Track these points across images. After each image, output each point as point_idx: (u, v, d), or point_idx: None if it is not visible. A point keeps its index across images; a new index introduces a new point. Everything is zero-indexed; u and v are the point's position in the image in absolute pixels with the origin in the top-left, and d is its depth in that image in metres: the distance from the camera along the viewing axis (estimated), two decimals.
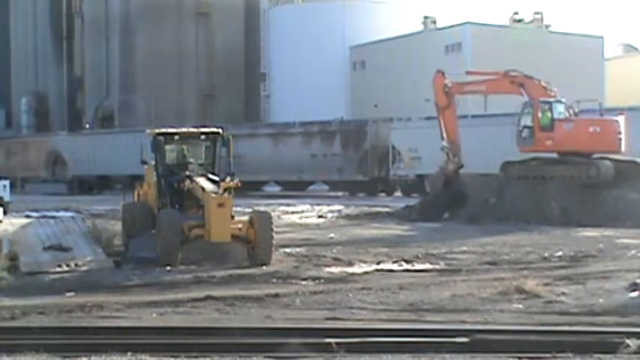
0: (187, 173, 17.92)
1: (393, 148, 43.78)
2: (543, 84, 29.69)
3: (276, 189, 53.30)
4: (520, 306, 12.18)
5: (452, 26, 62.37)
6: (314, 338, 9.45)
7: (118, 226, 19.85)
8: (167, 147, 18.81)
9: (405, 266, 16.90)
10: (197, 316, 11.63)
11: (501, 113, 36.17)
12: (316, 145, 48.19)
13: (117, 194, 33.04)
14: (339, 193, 48.38)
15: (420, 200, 32.31)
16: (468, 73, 33.89)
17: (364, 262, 17.39)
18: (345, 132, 47.31)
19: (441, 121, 30.78)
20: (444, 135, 30.72)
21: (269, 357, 8.94)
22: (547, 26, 64.67)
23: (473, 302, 12.49)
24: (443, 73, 31.07)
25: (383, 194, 46.34)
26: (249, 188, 49.23)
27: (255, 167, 46.33)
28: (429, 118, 40.57)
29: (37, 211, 23.36)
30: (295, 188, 50.70)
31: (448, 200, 30.07)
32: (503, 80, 30.30)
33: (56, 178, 57.96)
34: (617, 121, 29.22)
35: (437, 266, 16.87)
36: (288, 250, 18.94)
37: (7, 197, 29.74)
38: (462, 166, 30.64)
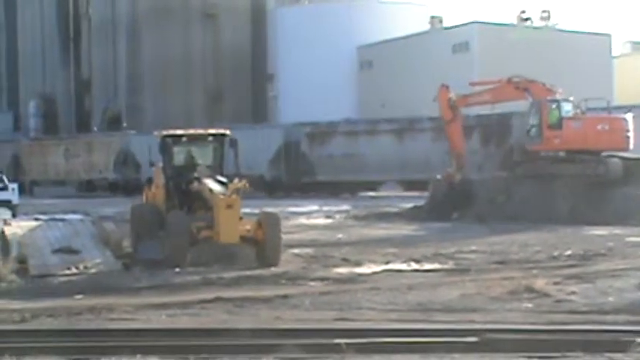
0: (195, 175, 17.92)
1: None
2: (548, 86, 29.64)
3: (393, 189, 47.22)
4: (530, 305, 12.15)
5: (459, 25, 62.31)
6: (323, 339, 9.45)
7: (126, 228, 19.86)
8: (175, 149, 18.81)
9: (414, 266, 16.87)
10: (206, 318, 11.62)
11: None
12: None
13: None
14: None
15: (428, 200, 32.23)
16: (471, 84, 33.70)
17: (373, 262, 17.36)
18: (484, 126, 42.85)
19: (447, 134, 30.89)
20: (450, 147, 30.84)
21: (278, 358, 8.94)
22: (554, 24, 64.53)
23: (482, 302, 12.47)
24: (447, 87, 31.07)
25: None
26: (365, 188, 46.05)
27: (374, 166, 43.74)
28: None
29: (45, 213, 23.39)
30: (421, 188, 47.71)
31: (456, 200, 30.02)
32: (507, 87, 30.25)
33: (126, 180, 54.06)
34: (625, 119, 29.16)
35: (446, 266, 16.84)
36: (296, 250, 18.93)
37: (15, 200, 29.88)
38: (468, 180, 30.59)
